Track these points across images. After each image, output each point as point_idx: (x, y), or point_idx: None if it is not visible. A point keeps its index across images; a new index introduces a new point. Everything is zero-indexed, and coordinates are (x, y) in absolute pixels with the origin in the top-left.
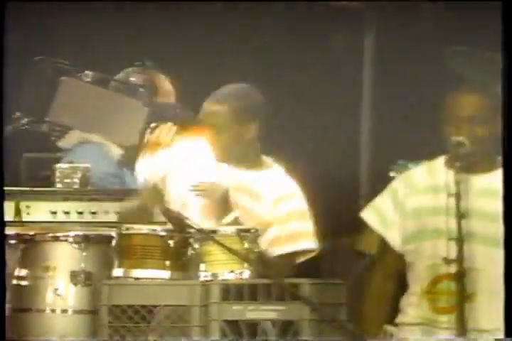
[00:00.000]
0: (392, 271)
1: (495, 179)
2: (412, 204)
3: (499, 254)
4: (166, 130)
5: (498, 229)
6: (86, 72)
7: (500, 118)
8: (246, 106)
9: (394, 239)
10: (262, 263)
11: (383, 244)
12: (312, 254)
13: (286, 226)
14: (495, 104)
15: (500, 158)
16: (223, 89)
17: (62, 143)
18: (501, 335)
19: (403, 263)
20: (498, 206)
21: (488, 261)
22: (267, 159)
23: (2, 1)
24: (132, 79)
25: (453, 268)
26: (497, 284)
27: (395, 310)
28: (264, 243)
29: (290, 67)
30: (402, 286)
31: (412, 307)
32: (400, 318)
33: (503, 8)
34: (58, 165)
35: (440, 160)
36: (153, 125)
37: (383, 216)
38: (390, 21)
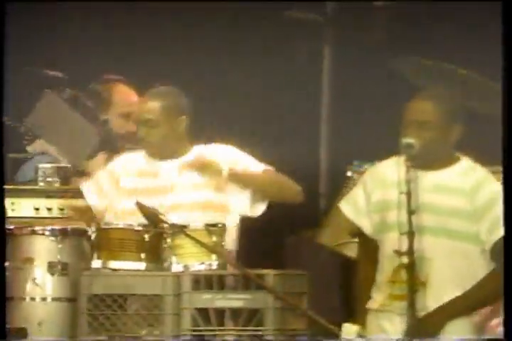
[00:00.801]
0: (374, 255)
1: (444, 176)
2: (376, 197)
3: (449, 245)
4: (101, 161)
5: (447, 221)
6: (66, 89)
7: (452, 123)
8: (175, 103)
9: (366, 227)
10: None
11: (360, 234)
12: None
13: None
14: (445, 110)
15: (450, 157)
16: (154, 90)
17: (29, 148)
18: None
19: (376, 248)
20: (446, 201)
21: (438, 251)
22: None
23: (2, 1)
24: (93, 92)
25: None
26: (447, 272)
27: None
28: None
29: (255, 74)
30: None
31: (378, 294)
32: (369, 304)
33: (503, 8)
34: (41, 166)
35: (402, 158)
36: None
37: (356, 206)
38: (346, 32)
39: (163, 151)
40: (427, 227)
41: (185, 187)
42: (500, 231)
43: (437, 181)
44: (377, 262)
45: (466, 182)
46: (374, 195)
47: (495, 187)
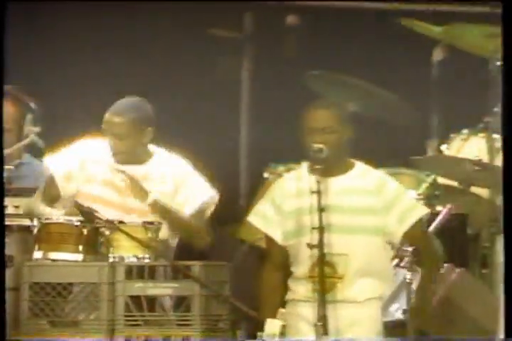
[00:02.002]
0: (279, 261)
1: (348, 179)
2: (289, 207)
3: (361, 240)
4: None
5: (358, 219)
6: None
7: (348, 127)
8: (140, 116)
9: (277, 236)
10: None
11: (269, 241)
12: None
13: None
14: (343, 116)
15: (350, 160)
16: (120, 103)
17: None
18: (374, 305)
19: (286, 255)
20: (353, 201)
21: (352, 247)
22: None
23: (2, 1)
24: None
25: (339, 256)
26: (361, 264)
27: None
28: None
29: (183, 85)
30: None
31: (299, 287)
32: (289, 295)
33: (503, 8)
34: None
35: (303, 167)
36: None
37: (266, 218)
38: (263, 48)
39: (128, 158)
40: (340, 226)
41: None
42: (410, 220)
43: (342, 185)
44: (281, 265)
45: (368, 183)
46: (285, 205)
47: (394, 183)
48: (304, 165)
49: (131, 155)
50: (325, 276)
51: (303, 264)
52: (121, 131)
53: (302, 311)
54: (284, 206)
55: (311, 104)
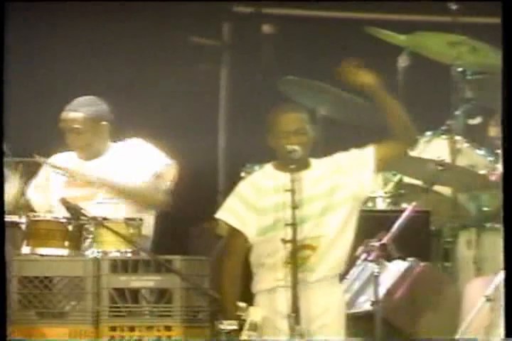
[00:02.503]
0: (243, 254)
1: (311, 172)
2: (263, 204)
3: (333, 219)
4: None
5: (324, 202)
6: None
7: (313, 128)
8: (94, 111)
9: (249, 231)
10: None
11: (236, 236)
12: None
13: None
14: (310, 118)
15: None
16: (75, 101)
17: None
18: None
19: (248, 249)
20: (319, 188)
21: (326, 230)
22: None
23: (2, 1)
24: None
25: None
26: (335, 242)
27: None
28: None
29: (165, 90)
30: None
31: (270, 276)
32: (256, 288)
33: (503, 8)
34: None
35: (269, 167)
36: None
37: (237, 215)
38: (240, 56)
39: (88, 153)
40: (314, 212)
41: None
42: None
43: (308, 178)
44: (244, 258)
45: (325, 169)
46: (259, 202)
47: (343, 156)
48: (269, 165)
49: (90, 149)
50: (300, 264)
51: (279, 253)
52: (79, 125)
53: (273, 301)
54: (255, 202)
55: (281, 108)
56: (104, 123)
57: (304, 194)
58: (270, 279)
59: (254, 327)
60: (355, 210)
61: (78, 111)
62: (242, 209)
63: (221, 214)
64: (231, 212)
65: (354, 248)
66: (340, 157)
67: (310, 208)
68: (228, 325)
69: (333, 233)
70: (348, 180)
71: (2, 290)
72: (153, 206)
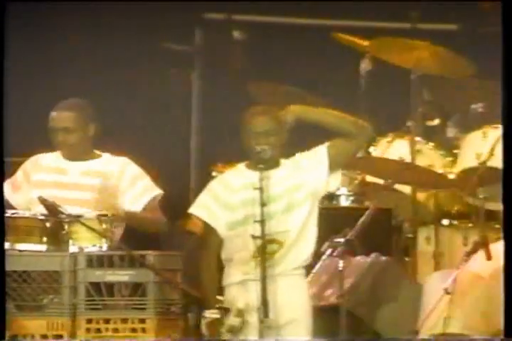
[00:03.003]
0: (217, 248)
1: (279, 172)
2: (232, 200)
3: (296, 216)
4: None
5: (288, 199)
6: None
7: (284, 130)
8: (84, 112)
9: (218, 226)
10: None
11: (209, 230)
12: None
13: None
14: (280, 120)
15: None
16: (64, 102)
17: None
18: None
19: (221, 243)
20: (284, 185)
21: (290, 225)
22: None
23: (2, 1)
24: None
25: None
26: (299, 237)
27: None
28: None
29: (139, 92)
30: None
31: (239, 270)
32: (226, 281)
33: (503, 8)
34: None
35: (241, 166)
36: None
37: (209, 210)
38: (211, 60)
39: (75, 153)
40: (280, 209)
41: (82, 187)
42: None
43: (276, 177)
44: (218, 252)
45: (291, 169)
46: (230, 199)
47: (304, 156)
48: (242, 164)
49: (77, 149)
50: (267, 258)
51: (247, 247)
52: (69, 124)
53: (242, 293)
54: (226, 199)
55: (252, 110)
56: (92, 125)
57: (271, 192)
58: (239, 273)
59: (240, 314)
60: (316, 206)
61: (70, 110)
62: (214, 205)
63: (193, 209)
64: (203, 208)
65: (320, 244)
66: (300, 156)
67: (276, 205)
68: (211, 314)
69: (297, 228)
70: (307, 178)
71: (2, 287)
72: (153, 229)
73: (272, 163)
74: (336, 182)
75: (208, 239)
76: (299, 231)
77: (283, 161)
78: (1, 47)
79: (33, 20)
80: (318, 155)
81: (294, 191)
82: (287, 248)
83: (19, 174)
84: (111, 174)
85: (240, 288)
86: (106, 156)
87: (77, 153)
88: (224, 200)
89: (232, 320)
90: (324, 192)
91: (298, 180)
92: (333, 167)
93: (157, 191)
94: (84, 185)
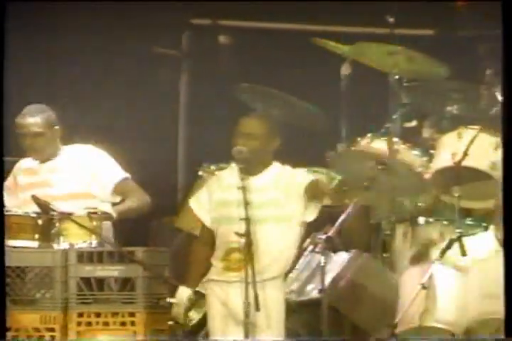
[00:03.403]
0: (206, 240)
1: (264, 178)
2: (217, 198)
3: (274, 226)
4: None
5: (272, 210)
6: None
7: (271, 136)
8: (48, 116)
9: (205, 218)
10: None
11: (200, 223)
12: None
13: None
14: (269, 128)
15: (270, 162)
16: (28, 109)
17: None
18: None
19: (213, 237)
20: (268, 195)
21: (267, 233)
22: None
23: (2, 1)
24: None
25: (241, 242)
26: (273, 246)
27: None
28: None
29: (129, 94)
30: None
31: (216, 268)
32: (208, 276)
33: (503, 8)
34: None
35: (235, 166)
36: None
37: (200, 203)
38: (199, 64)
39: (43, 155)
40: (259, 216)
41: (58, 182)
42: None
43: (258, 183)
44: (210, 245)
45: (279, 181)
46: (214, 196)
47: (299, 179)
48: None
49: (44, 151)
50: (237, 260)
51: (219, 248)
52: (37, 129)
53: (217, 290)
54: (213, 196)
55: (249, 113)
56: (56, 127)
57: (251, 195)
58: (221, 270)
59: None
60: (293, 229)
61: (36, 116)
62: (206, 199)
63: (190, 201)
64: (196, 200)
65: (302, 240)
66: (282, 176)
67: (255, 212)
68: (171, 299)
69: (269, 244)
70: (285, 203)
71: (2, 283)
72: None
73: (254, 167)
74: (313, 214)
75: (200, 229)
76: (272, 242)
77: (274, 168)
78: (1, 47)
79: (33, 20)
80: (297, 190)
81: (272, 205)
82: (266, 254)
83: (10, 177)
84: (73, 168)
85: (220, 285)
86: (67, 151)
87: (45, 155)
88: (216, 197)
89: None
90: (301, 221)
91: (275, 198)
92: (308, 202)
93: (124, 174)
94: (57, 180)
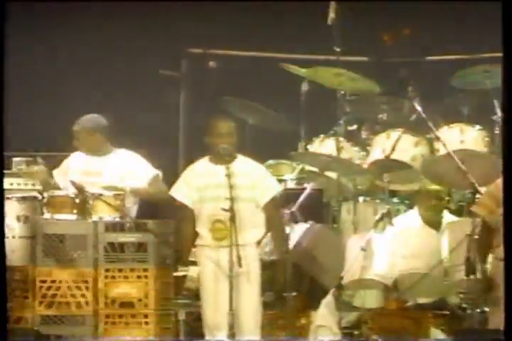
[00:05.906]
0: (190, 218)
1: (236, 165)
2: (196, 183)
3: (247, 205)
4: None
5: (237, 192)
6: None
7: (235, 133)
8: (97, 125)
9: (188, 202)
10: None
11: (183, 206)
12: None
13: None
14: (234, 125)
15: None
16: (82, 118)
17: None
18: (254, 246)
19: (194, 215)
20: (240, 180)
21: (242, 209)
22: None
23: (2, 1)
24: None
25: (224, 215)
26: (248, 221)
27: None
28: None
29: (140, 104)
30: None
31: (203, 237)
32: (197, 242)
33: (503, 8)
34: (14, 159)
35: (205, 159)
36: None
37: (180, 190)
38: (194, 82)
39: (92, 153)
40: (239, 197)
41: (107, 174)
42: (268, 195)
43: (230, 170)
44: (191, 221)
45: (245, 169)
46: (193, 182)
47: (259, 169)
48: (206, 157)
49: (93, 150)
50: (221, 229)
51: (204, 221)
52: (85, 135)
53: (207, 253)
54: (192, 183)
55: (217, 117)
56: (99, 134)
57: (233, 180)
58: (210, 239)
59: (194, 279)
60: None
61: (82, 125)
62: (185, 187)
63: (172, 192)
64: (176, 188)
65: None
66: (257, 172)
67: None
68: (182, 272)
69: (242, 217)
70: (249, 191)
71: (2, 280)
72: (159, 198)
73: (232, 157)
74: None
75: (183, 212)
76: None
77: (239, 156)
78: (1, 47)
79: (33, 21)
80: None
81: (242, 188)
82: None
83: (63, 164)
84: (119, 165)
85: (208, 250)
86: (115, 153)
87: (94, 153)
88: (192, 183)
89: (188, 284)
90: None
91: (246, 182)
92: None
93: (155, 171)
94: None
